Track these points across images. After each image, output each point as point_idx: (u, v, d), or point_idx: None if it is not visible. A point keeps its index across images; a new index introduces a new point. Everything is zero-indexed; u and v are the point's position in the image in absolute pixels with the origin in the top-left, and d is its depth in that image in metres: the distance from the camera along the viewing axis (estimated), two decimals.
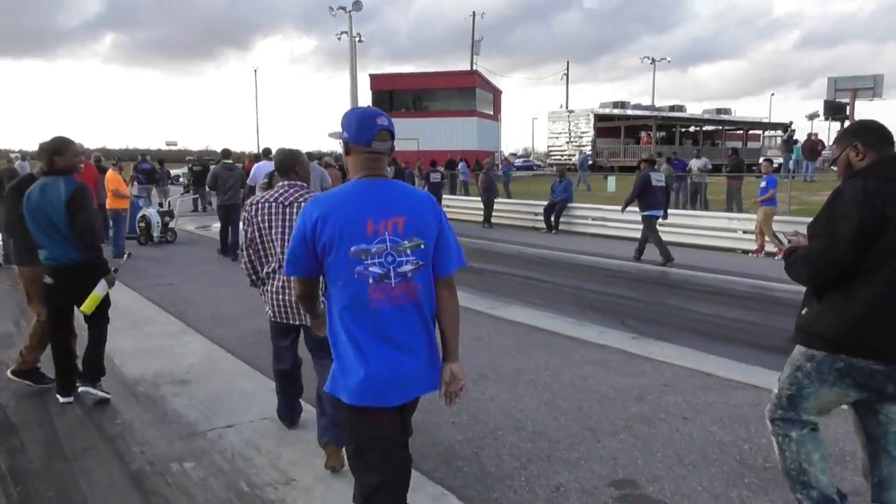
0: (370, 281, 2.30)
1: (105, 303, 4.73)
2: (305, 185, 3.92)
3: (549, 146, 51.48)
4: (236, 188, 11.54)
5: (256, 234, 3.78)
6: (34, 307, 5.07)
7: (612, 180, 22.33)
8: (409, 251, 2.34)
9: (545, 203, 16.59)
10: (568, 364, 5.57)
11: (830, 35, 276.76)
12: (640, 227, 13.78)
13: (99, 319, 4.78)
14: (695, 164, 19.85)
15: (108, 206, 11.57)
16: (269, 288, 3.83)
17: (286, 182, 3.88)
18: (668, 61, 64.18)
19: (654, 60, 61.78)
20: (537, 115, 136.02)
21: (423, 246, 2.36)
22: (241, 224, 4.62)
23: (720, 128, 51.58)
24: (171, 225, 13.68)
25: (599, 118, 47.05)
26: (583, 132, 48.13)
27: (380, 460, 2.39)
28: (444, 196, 22.23)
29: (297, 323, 3.80)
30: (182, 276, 9.66)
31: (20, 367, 5.00)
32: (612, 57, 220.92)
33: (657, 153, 22.88)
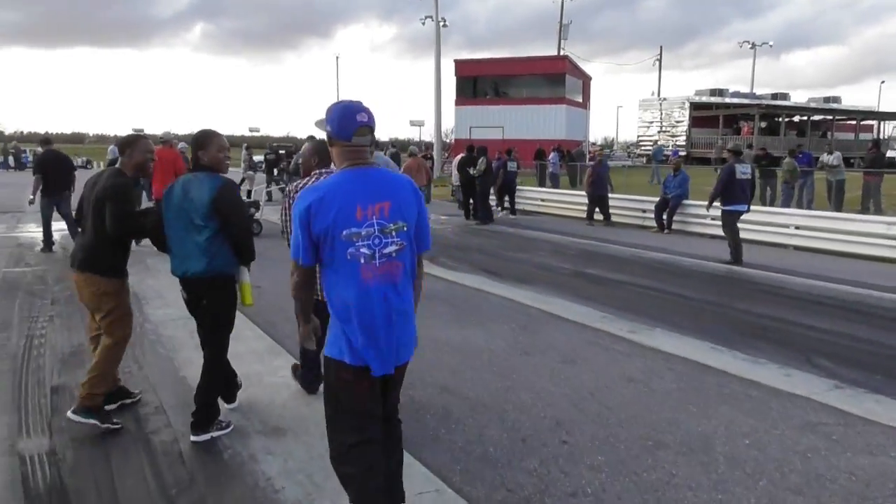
0: (361, 261, 2.52)
1: (229, 313, 4.03)
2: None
3: (638, 136, 49.05)
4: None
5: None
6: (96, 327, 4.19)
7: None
8: (394, 233, 2.56)
9: (653, 199, 15.06)
10: (768, 426, 4.23)
11: None
12: (769, 228, 12.22)
13: (221, 334, 4.02)
14: (827, 159, 17.74)
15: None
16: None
17: (324, 170, 4.07)
18: (771, 46, 60.20)
19: (753, 45, 58.24)
20: (620, 103, 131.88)
21: (405, 228, 2.59)
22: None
23: (828, 118, 47.87)
24: (257, 216, 12.88)
25: (696, 106, 44.36)
26: (677, 121, 45.52)
27: (362, 431, 2.66)
28: (537, 188, 20.89)
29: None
30: (268, 278, 8.70)
31: (83, 402, 4.04)
32: (698, 44, 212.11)
33: (797, 146, 20.75)
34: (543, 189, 20.50)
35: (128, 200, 3.92)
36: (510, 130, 36.78)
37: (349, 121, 2.58)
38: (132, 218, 3.97)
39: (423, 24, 41.08)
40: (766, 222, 12.99)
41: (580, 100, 41.65)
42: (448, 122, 44.20)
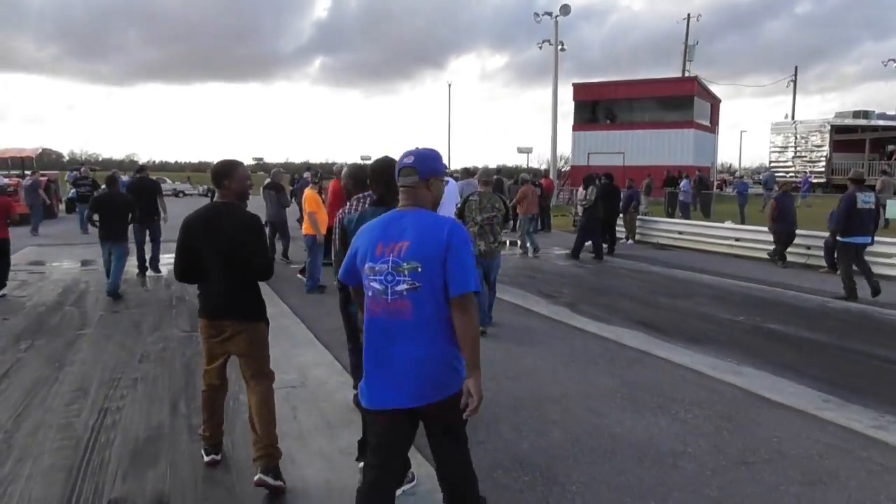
0: (370, 294, 2.72)
1: None
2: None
3: (771, 161, 45.39)
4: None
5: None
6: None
7: (893, 204, 17.73)
8: (406, 272, 2.63)
9: (819, 233, 12.92)
10: None
11: None
12: None
13: None
14: None
15: (303, 232, 9.97)
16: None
17: (362, 194, 4.08)
18: None
19: None
20: (741, 127, 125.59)
21: (419, 269, 2.63)
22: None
23: None
24: None
25: (837, 129, 40.50)
26: (815, 146, 41.75)
27: (375, 458, 2.81)
28: (672, 219, 18.95)
29: None
30: None
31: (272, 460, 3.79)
32: (823, 67, 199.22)
33: None
34: (681, 220, 18.53)
35: (265, 235, 3.97)
36: (632, 156, 34.72)
37: (399, 164, 2.85)
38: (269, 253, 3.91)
39: (541, 47, 39.88)
40: None
41: (708, 123, 38.90)
42: (564, 149, 42.64)
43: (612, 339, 7.18)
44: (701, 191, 23.75)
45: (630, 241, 17.41)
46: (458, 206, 7.61)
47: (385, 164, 3.66)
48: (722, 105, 41.99)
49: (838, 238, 9.79)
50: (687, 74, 43.47)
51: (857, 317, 8.65)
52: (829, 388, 5.64)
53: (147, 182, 11.59)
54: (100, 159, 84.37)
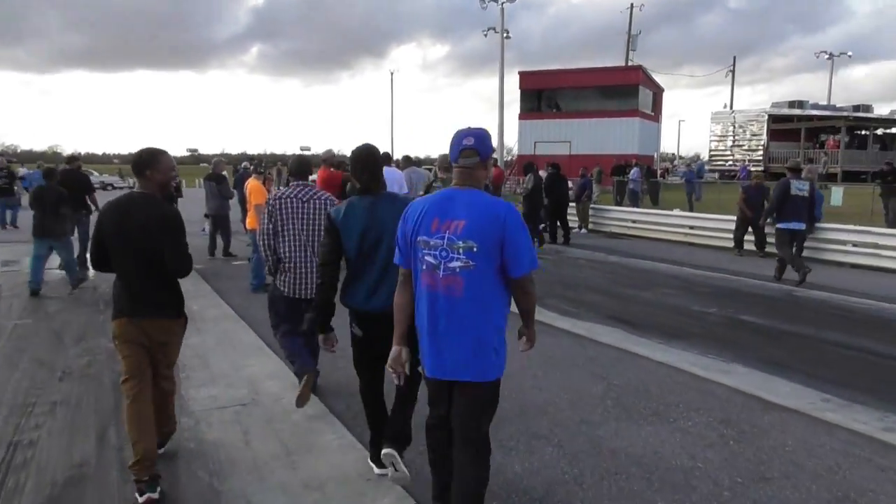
0: (423, 267, 2.78)
1: None
2: (313, 184, 4.85)
3: (711, 150, 46.19)
4: None
5: (279, 222, 4.61)
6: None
7: (837, 192, 17.90)
8: (461, 250, 2.70)
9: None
10: None
11: None
12: None
13: None
14: None
15: (248, 226, 9.25)
16: (286, 267, 4.65)
17: (300, 182, 4.77)
18: (850, 56, 56.61)
19: (831, 56, 54.78)
20: (678, 117, 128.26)
21: (475, 249, 2.70)
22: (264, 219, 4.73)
23: None
24: None
25: (775, 119, 41.43)
26: (753, 135, 42.64)
27: (434, 412, 3.04)
28: (627, 208, 18.71)
29: (309, 297, 4.55)
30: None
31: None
32: (753, 60, 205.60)
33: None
34: (634, 209, 18.31)
35: (184, 230, 3.64)
36: (578, 145, 34.62)
37: (456, 145, 2.86)
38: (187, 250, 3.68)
39: (486, 35, 39.54)
40: None
41: (652, 112, 39.18)
42: (510, 138, 42.39)
43: (586, 337, 6.71)
44: (650, 179, 23.69)
45: (584, 230, 17.14)
46: (422, 195, 7.13)
47: (368, 153, 3.58)
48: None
49: (777, 225, 10.10)
50: (630, 64, 43.71)
51: (829, 306, 8.44)
52: (823, 385, 5.31)
53: (77, 175, 10.70)
54: (18, 151, 79.88)
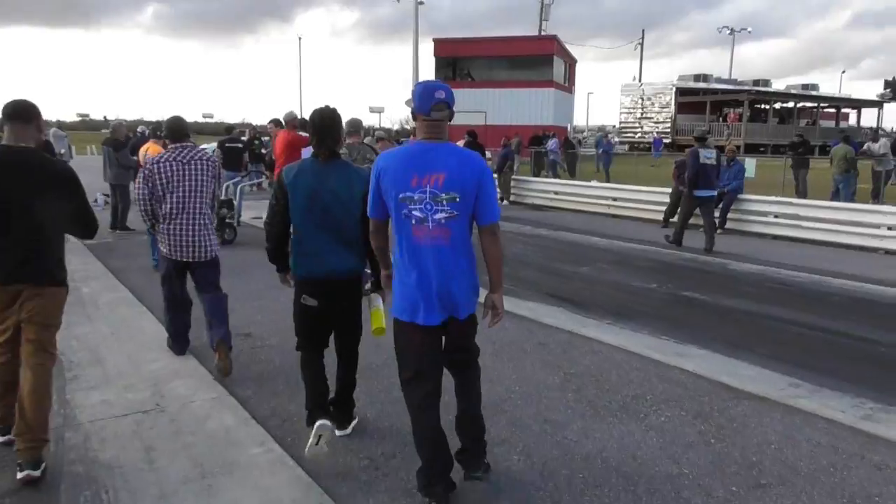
0: (413, 222, 2.85)
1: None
2: (195, 145, 4.89)
3: (621, 122, 47.08)
4: None
5: (158, 186, 4.61)
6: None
7: (751, 163, 18.18)
8: (444, 202, 2.81)
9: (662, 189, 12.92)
10: None
11: (884, 14, 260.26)
12: (849, 228, 11.12)
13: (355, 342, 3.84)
14: (875, 147, 15.78)
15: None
16: (166, 229, 4.66)
17: (179, 144, 4.75)
18: (750, 32, 58.98)
19: (732, 31, 56.76)
20: (587, 89, 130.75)
21: (457, 199, 2.82)
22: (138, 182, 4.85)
23: (808, 105, 46.59)
24: (229, 220, 10.15)
25: (682, 92, 42.51)
26: (662, 107, 43.64)
27: (413, 360, 3.01)
28: (548, 179, 18.43)
29: (188, 260, 4.70)
30: (262, 315, 6.14)
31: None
32: (654, 34, 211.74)
33: (797, 135, 18.93)
34: (557, 181, 18.06)
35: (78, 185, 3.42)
36: (493, 116, 34.16)
37: (428, 96, 2.84)
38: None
39: (399, 1, 38.49)
40: (854, 221, 10.97)
41: (566, 84, 39.22)
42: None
43: (531, 319, 6.21)
44: (568, 151, 23.54)
45: (505, 202, 16.73)
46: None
47: (333, 117, 3.57)
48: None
49: (693, 193, 10.36)
50: (543, 33, 43.57)
51: (767, 279, 8.31)
52: (786, 367, 5.02)
53: None
54: None
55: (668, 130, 42.67)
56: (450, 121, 2.91)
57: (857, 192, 14.87)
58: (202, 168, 4.69)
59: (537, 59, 35.30)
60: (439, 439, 3.01)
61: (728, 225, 12.18)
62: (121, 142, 11.02)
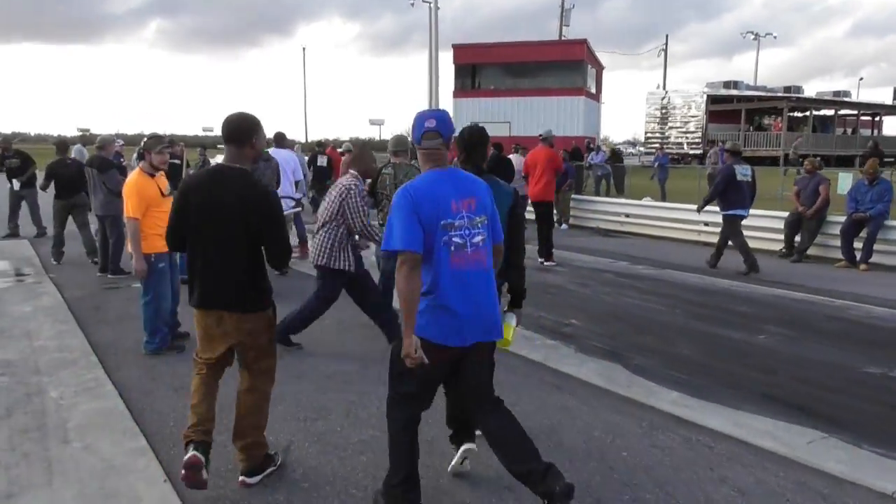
0: (452, 248, 2.85)
1: None
2: None
3: (647, 132, 44.60)
4: (271, 184, 7.71)
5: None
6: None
7: (845, 178, 15.71)
8: (479, 225, 2.92)
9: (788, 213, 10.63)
10: None
11: (886, 23, 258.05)
12: None
13: None
14: None
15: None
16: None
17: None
18: (775, 37, 56.75)
19: (757, 35, 54.56)
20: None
21: (486, 222, 2.96)
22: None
23: (846, 113, 44.24)
24: None
25: (714, 100, 40.08)
26: (691, 116, 41.21)
27: (419, 379, 2.97)
28: (615, 199, 15.86)
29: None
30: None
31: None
32: (656, 44, 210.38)
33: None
34: (626, 200, 15.50)
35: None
36: (519, 126, 31.84)
37: (419, 126, 2.95)
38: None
39: (413, 4, 36.34)
40: None
41: (594, 91, 36.81)
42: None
43: (693, 423, 3.82)
44: (615, 164, 21.13)
45: (564, 226, 14.37)
46: (369, 182, 6.15)
47: (479, 132, 3.61)
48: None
49: (722, 212, 9.51)
50: (564, 38, 41.27)
51: None
52: None
53: None
54: None
55: (699, 141, 40.24)
56: (447, 149, 2.98)
57: None
58: None
59: (566, 65, 32.91)
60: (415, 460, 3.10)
61: (874, 258, 9.77)
62: (108, 161, 8.61)
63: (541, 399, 4.67)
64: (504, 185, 3.56)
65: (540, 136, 10.98)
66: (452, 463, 3.53)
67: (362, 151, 5.80)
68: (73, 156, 10.79)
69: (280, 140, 10.29)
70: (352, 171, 5.56)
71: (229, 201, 3.16)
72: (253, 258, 3.25)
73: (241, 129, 3.23)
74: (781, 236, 10.93)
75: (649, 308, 7.39)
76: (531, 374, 5.21)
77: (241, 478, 3.39)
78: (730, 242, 9.62)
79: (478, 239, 2.89)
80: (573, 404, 4.60)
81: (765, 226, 11.25)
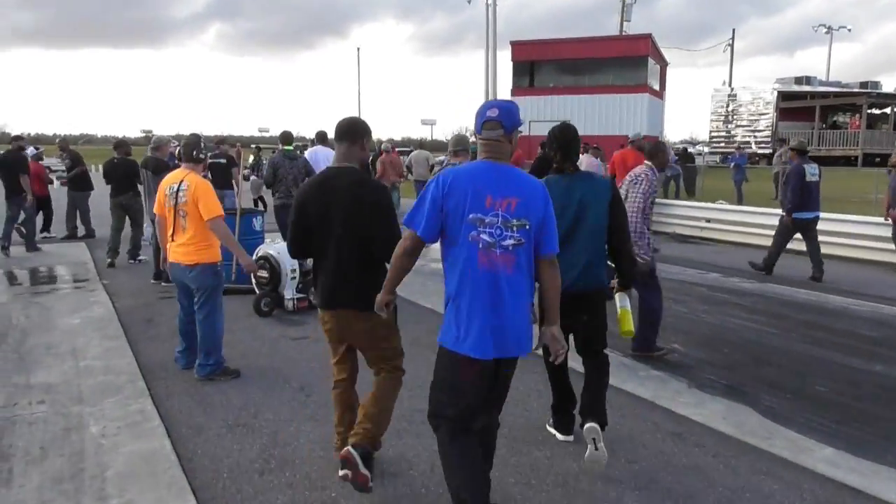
0: (480, 246, 2.67)
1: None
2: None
3: (711, 131, 42.83)
4: (297, 183, 7.99)
5: None
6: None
7: None
8: (514, 228, 2.68)
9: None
10: None
11: None
12: None
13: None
14: None
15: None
16: None
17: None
18: (849, 30, 54.15)
19: (830, 29, 51.93)
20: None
21: (527, 226, 2.70)
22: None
23: None
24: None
25: (785, 96, 38.15)
26: (760, 114, 39.35)
27: (454, 403, 2.76)
28: (694, 202, 14.81)
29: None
30: None
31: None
32: (711, 41, 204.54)
33: None
34: (705, 204, 14.38)
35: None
36: (579, 125, 30.55)
37: (480, 115, 2.81)
38: None
39: (469, 2, 35.57)
40: None
41: (658, 88, 35.39)
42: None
43: (866, 493, 2.92)
44: (686, 164, 19.96)
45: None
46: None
47: (572, 132, 3.70)
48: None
49: (793, 216, 8.90)
50: (625, 34, 39.89)
51: None
52: None
53: (10, 157, 10.51)
54: None
55: (768, 140, 38.37)
56: (509, 142, 2.79)
57: None
58: None
59: (630, 61, 31.69)
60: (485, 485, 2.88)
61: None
62: (163, 163, 8.12)
63: (663, 454, 3.85)
64: (600, 178, 3.53)
65: (629, 139, 10.29)
66: (586, 454, 3.44)
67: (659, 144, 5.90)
68: (29, 155, 11.56)
69: (322, 139, 10.23)
70: (646, 163, 5.51)
71: (344, 201, 3.24)
72: (370, 257, 3.29)
73: (355, 130, 3.37)
74: (892, 245, 9.77)
75: (761, 331, 6.46)
76: (643, 416, 4.39)
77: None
78: (804, 247, 9.18)
79: (509, 242, 2.68)
80: (705, 462, 3.76)
81: (867, 233, 10.13)
